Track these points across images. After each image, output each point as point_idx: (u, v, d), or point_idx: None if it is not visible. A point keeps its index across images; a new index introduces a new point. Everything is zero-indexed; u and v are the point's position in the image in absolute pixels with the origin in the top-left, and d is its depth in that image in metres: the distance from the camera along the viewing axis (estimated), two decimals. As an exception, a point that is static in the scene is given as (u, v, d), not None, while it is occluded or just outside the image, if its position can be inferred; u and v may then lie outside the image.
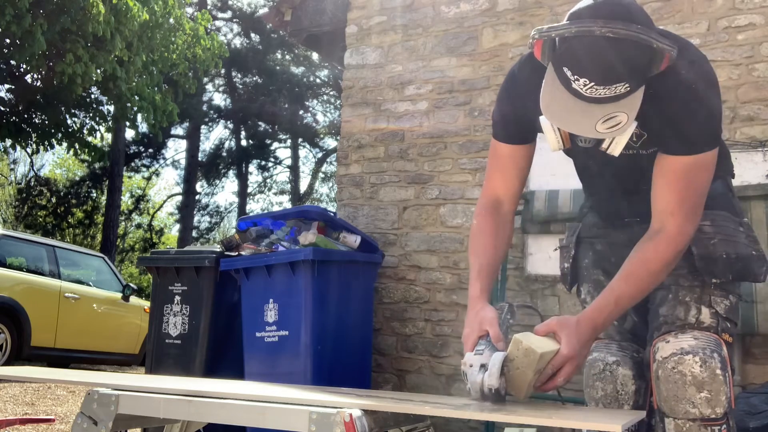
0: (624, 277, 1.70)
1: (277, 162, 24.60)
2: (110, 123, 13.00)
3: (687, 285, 1.80)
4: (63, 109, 11.97)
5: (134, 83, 11.44)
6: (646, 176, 1.77)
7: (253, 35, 21.72)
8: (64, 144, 12.24)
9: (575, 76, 1.47)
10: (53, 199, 22.54)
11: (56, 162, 27.28)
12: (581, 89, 1.47)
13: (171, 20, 12.05)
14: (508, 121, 1.89)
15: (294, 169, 24.26)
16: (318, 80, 22.76)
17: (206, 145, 23.72)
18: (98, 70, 10.87)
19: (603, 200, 2.05)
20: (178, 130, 21.95)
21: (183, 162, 22.07)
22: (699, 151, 1.65)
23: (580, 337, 1.64)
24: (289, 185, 24.61)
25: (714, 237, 1.80)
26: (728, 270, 1.79)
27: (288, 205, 23.62)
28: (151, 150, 22.74)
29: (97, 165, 18.91)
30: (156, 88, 12.03)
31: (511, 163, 1.91)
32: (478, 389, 1.57)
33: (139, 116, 12.45)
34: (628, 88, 1.47)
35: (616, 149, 1.65)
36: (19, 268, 8.27)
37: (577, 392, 3.99)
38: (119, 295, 9.35)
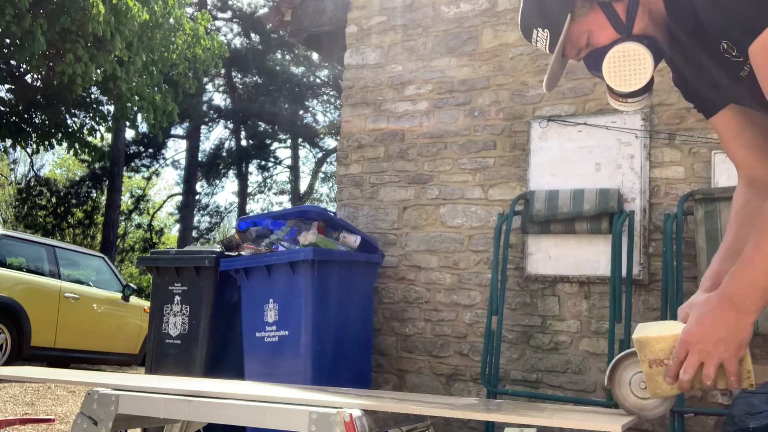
0: (761, 218, 1.30)
1: (277, 162, 24.63)
2: (110, 123, 13.00)
3: None
4: (63, 109, 11.97)
5: (134, 83, 11.44)
6: None
7: (253, 35, 21.73)
8: (64, 144, 12.24)
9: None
10: (53, 199, 22.54)
11: (56, 162, 27.30)
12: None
13: (171, 20, 12.05)
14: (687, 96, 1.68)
15: (294, 169, 24.27)
16: (318, 80, 22.78)
17: (206, 145, 23.77)
18: (98, 70, 10.88)
19: None
20: (178, 130, 21.98)
21: (183, 162, 22.09)
22: (763, 26, 1.24)
23: (700, 317, 1.33)
24: (289, 185, 24.63)
25: None
26: None
27: (288, 205, 23.64)
28: (151, 150, 22.76)
29: (97, 165, 18.90)
30: (156, 88, 12.03)
31: (722, 133, 1.62)
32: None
33: (139, 116, 12.46)
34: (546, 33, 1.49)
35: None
36: (19, 268, 8.27)
37: (577, 392, 3.99)
38: (119, 295, 9.35)
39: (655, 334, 1.38)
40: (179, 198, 23.50)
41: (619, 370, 1.47)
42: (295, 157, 24.21)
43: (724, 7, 1.28)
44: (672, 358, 1.35)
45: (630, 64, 1.42)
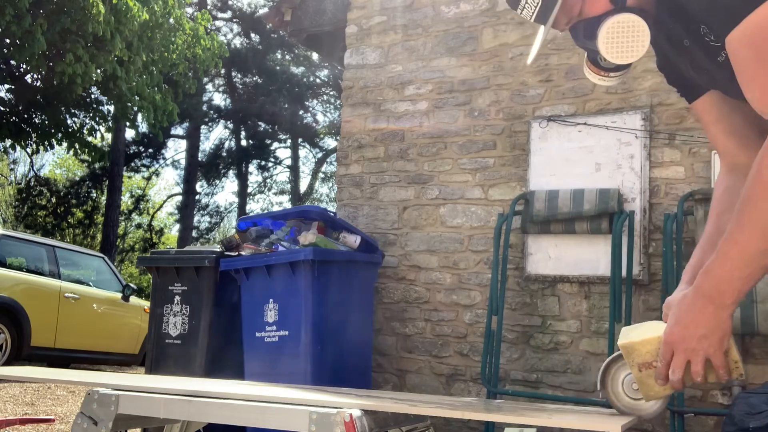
0: (735, 210, 1.24)
1: (277, 162, 24.64)
2: (110, 123, 13.01)
3: None
4: (63, 109, 11.97)
5: (134, 83, 11.44)
6: None
7: (253, 35, 21.73)
8: (64, 144, 12.25)
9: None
10: (53, 199, 22.55)
11: (56, 162, 27.30)
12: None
13: (171, 20, 12.05)
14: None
15: (294, 169, 24.28)
16: (318, 80, 22.78)
17: (206, 145, 23.79)
18: (98, 70, 10.88)
19: None
20: (178, 130, 21.98)
21: (183, 162, 22.10)
22: (742, 15, 1.19)
23: (679, 315, 1.31)
24: (289, 185, 24.63)
25: None
26: None
27: (288, 205, 23.65)
28: (151, 150, 22.76)
29: (97, 165, 18.90)
30: (156, 88, 12.03)
31: (704, 119, 1.59)
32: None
33: (139, 116, 12.47)
34: None
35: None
36: (19, 268, 8.27)
37: (577, 392, 3.99)
38: (119, 295, 9.35)
39: (639, 338, 1.38)
40: (179, 198, 23.52)
41: (611, 373, 1.47)
42: (295, 157, 24.22)
43: None
44: (659, 360, 1.35)
45: (628, 36, 1.39)
